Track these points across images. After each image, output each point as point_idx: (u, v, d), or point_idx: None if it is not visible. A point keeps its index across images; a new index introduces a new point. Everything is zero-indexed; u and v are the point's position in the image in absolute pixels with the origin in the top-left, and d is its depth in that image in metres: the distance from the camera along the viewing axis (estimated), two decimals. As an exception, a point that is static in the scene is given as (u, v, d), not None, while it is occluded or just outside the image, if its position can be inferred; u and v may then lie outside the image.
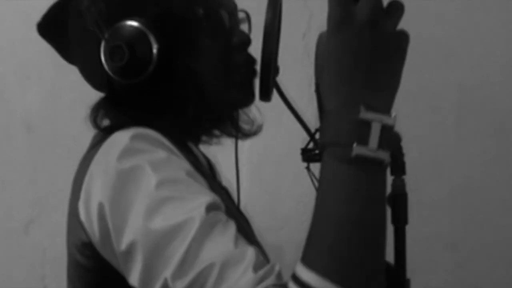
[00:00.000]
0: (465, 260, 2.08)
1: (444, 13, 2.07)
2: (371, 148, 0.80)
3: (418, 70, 1.98)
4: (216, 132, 1.28)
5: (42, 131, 2.12)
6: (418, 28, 2.01)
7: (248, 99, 1.22)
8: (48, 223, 2.09)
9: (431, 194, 2.05)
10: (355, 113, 0.80)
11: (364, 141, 0.80)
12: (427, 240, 2.04)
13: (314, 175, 1.11)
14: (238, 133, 1.29)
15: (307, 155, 1.10)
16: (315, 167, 1.12)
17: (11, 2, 2.09)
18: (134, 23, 1.09)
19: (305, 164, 1.13)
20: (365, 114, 0.80)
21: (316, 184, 1.11)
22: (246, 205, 2.07)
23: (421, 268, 2.00)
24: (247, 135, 1.32)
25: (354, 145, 0.80)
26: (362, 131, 0.80)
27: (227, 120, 1.26)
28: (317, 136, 1.11)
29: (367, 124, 0.80)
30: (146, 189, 0.95)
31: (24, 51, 2.08)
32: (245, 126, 1.31)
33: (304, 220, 2.05)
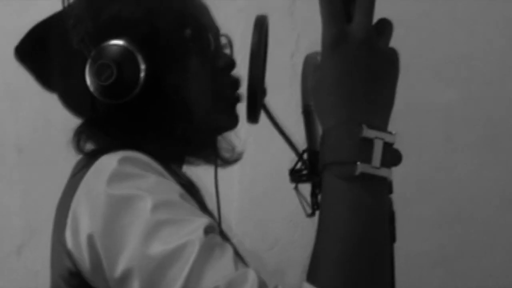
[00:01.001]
0: (454, 277, 2.08)
1: (431, 30, 2.09)
2: (375, 165, 0.81)
3: (406, 87, 1.99)
4: (196, 159, 1.28)
5: (33, 154, 2.12)
6: (406, 45, 2.03)
7: (231, 123, 1.22)
8: (40, 247, 2.07)
9: (419, 211, 2.05)
10: (357, 131, 0.81)
11: (367, 159, 0.81)
12: (416, 258, 2.04)
13: (302, 196, 1.11)
14: (218, 160, 1.29)
15: (295, 176, 1.11)
16: (304, 187, 1.13)
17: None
18: (121, 42, 1.07)
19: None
20: (367, 132, 0.81)
21: (305, 204, 1.13)
22: (238, 224, 2.08)
23: (410, 285, 2.00)
24: (227, 162, 1.32)
25: (358, 163, 0.81)
26: (365, 149, 0.81)
27: (208, 147, 1.25)
28: (305, 156, 1.12)
29: (369, 142, 0.81)
30: (141, 214, 0.92)
31: (15, 74, 2.08)
32: (226, 154, 1.31)
33: (295, 240, 2.07)
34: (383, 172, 0.82)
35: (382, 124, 0.84)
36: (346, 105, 0.83)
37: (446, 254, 2.08)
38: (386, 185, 0.85)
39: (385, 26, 0.85)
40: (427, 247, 2.07)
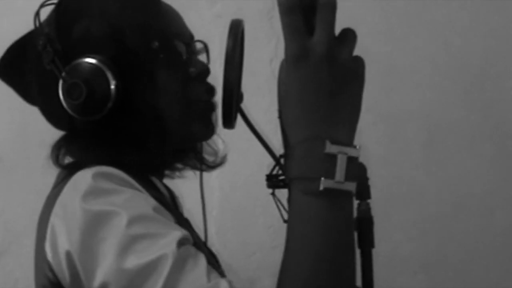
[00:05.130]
0: (436, 282, 2.08)
1: (409, 35, 2.09)
2: (338, 180, 0.81)
3: (386, 92, 2.00)
4: (179, 165, 1.29)
5: (12, 162, 2.10)
6: (385, 50, 2.04)
7: (207, 132, 1.23)
8: (19, 254, 2.06)
9: (400, 216, 2.06)
10: (320, 148, 0.82)
11: (331, 174, 0.81)
12: (398, 263, 2.04)
13: (280, 201, 1.11)
14: (202, 165, 1.30)
15: (272, 182, 1.10)
16: (282, 192, 1.13)
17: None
18: (90, 60, 1.10)
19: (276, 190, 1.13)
20: (330, 148, 0.81)
21: (282, 209, 1.12)
22: (218, 232, 2.08)
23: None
24: (211, 167, 1.33)
25: (322, 178, 0.81)
26: (328, 165, 0.82)
27: (190, 153, 1.27)
28: (282, 161, 1.11)
29: (333, 158, 0.82)
30: (117, 229, 0.95)
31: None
32: (209, 158, 1.32)
33: (275, 246, 2.07)
34: (347, 186, 0.82)
35: (346, 138, 0.84)
36: (309, 121, 0.83)
37: (428, 260, 2.08)
38: (351, 199, 0.86)
39: (348, 35, 0.84)
40: (408, 252, 2.07)
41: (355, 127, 0.86)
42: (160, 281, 0.89)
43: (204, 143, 1.30)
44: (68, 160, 1.16)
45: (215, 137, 1.28)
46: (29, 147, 2.04)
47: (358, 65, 0.85)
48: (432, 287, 2.09)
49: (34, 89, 1.19)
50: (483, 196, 2.09)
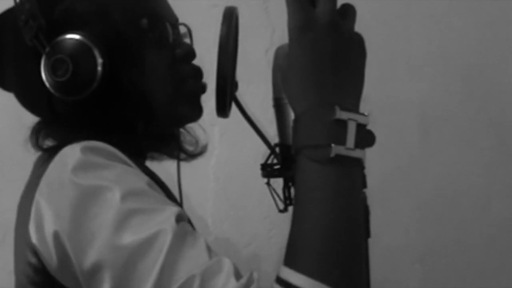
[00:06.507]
0: (433, 273, 2.09)
1: (408, 27, 2.09)
2: (349, 147, 0.81)
3: (381, 83, 2.00)
4: (158, 154, 1.25)
5: (6, 154, 2.09)
6: (382, 41, 2.03)
7: (195, 114, 1.20)
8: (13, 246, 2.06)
9: (396, 207, 2.06)
10: (330, 114, 0.80)
11: (341, 140, 0.81)
12: (395, 253, 2.04)
13: (275, 190, 1.10)
14: (181, 154, 1.27)
15: (267, 171, 1.09)
16: (278, 182, 1.12)
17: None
18: (77, 36, 1.04)
19: (271, 180, 1.12)
20: (340, 114, 0.80)
21: (277, 199, 1.11)
22: (214, 222, 2.07)
23: (389, 281, 2.01)
24: (191, 156, 1.29)
25: (332, 145, 0.80)
26: (338, 131, 0.81)
27: (170, 140, 1.23)
28: (277, 150, 1.11)
29: (343, 124, 0.81)
30: (110, 204, 0.89)
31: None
32: (189, 147, 1.29)
33: (271, 236, 2.07)
34: (357, 153, 0.82)
35: (354, 106, 0.84)
36: (317, 89, 0.83)
37: (425, 250, 2.09)
38: (360, 166, 0.85)
39: (349, 10, 0.85)
40: (405, 242, 2.07)
41: (360, 96, 0.86)
42: (160, 258, 0.84)
43: (183, 131, 1.27)
44: (48, 143, 1.11)
45: (196, 126, 1.26)
46: (23, 139, 2.03)
47: (360, 37, 0.85)
48: (429, 277, 2.09)
49: (9, 71, 1.14)
50: (480, 187, 2.09)
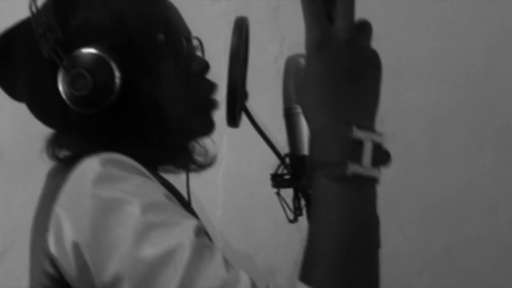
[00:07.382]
0: (440, 282, 2.08)
1: (416, 31, 2.09)
2: (365, 166, 0.81)
3: (391, 89, 1.99)
4: (173, 168, 1.25)
5: (14, 157, 2.09)
6: (389, 47, 2.03)
7: (207, 128, 1.20)
8: (23, 252, 2.05)
9: (405, 215, 2.05)
10: (347, 132, 0.81)
11: (358, 159, 0.81)
12: (402, 263, 2.03)
13: (284, 201, 1.10)
14: (191, 165, 1.27)
15: (277, 181, 1.09)
16: (287, 192, 1.12)
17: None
18: (94, 51, 1.05)
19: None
20: (357, 133, 0.81)
21: (287, 209, 1.11)
22: (222, 230, 2.07)
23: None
24: (201, 167, 1.29)
25: (349, 163, 0.80)
26: (355, 150, 0.81)
27: (183, 152, 1.23)
28: (287, 161, 1.11)
29: (359, 143, 0.81)
30: (130, 217, 0.90)
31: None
32: (199, 158, 1.28)
33: (279, 245, 2.06)
34: (373, 172, 0.82)
35: (369, 124, 0.84)
36: (333, 106, 0.83)
37: (432, 259, 2.08)
38: (376, 185, 0.85)
39: (365, 27, 0.86)
40: (412, 251, 2.07)
41: (376, 113, 0.86)
42: (179, 271, 0.84)
43: (194, 142, 1.27)
44: (64, 153, 1.11)
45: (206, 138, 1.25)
46: (30, 142, 2.02)
47: (376, 55, 0.85)
48: (436, 286, 2.08)
49: (23, 83, 1.14)
50: (488, 194, 2.09)
